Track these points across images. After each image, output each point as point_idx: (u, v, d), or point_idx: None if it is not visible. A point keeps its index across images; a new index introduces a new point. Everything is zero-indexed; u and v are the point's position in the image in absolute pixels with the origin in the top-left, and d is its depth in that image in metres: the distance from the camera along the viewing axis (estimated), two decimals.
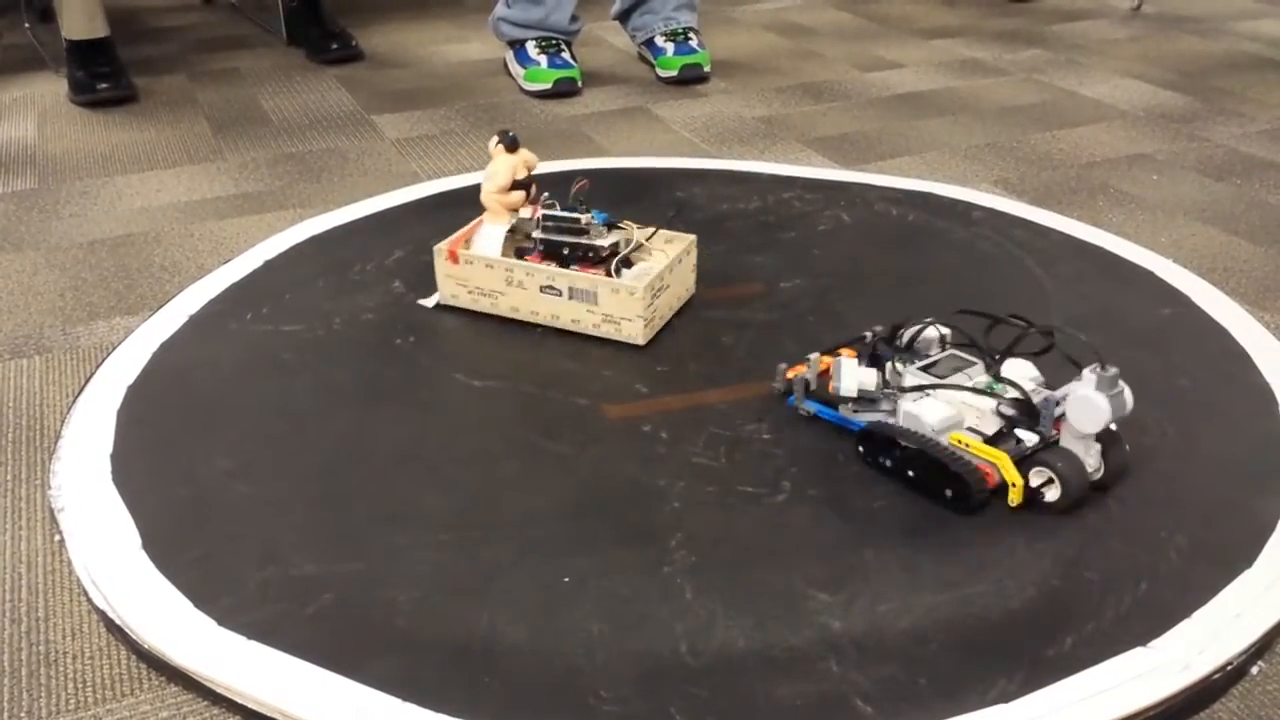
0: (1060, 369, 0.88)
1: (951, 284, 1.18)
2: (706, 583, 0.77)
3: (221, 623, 0.74)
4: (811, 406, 0.95)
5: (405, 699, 0.68)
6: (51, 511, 0.87)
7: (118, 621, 0.75)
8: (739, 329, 1.10)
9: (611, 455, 0.91)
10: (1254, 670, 0.72)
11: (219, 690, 0.70)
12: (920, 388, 0.87)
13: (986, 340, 0.90)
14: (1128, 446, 0.85)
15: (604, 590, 0.76)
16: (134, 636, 0.73)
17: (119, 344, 1.09)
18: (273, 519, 0.84)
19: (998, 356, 0.89)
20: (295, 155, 1.63)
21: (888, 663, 0.70)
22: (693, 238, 1.14)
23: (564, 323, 1.09)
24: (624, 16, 2.02)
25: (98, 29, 1.86)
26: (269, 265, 1.24)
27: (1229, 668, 0.71)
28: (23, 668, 0.73)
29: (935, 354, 0.91)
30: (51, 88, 1.94)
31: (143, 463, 0.90)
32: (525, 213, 1.13)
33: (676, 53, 1.93)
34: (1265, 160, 1.56)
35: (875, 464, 0.88)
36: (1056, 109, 1.79)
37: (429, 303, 1.14)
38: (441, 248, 1.11)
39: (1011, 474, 0.81)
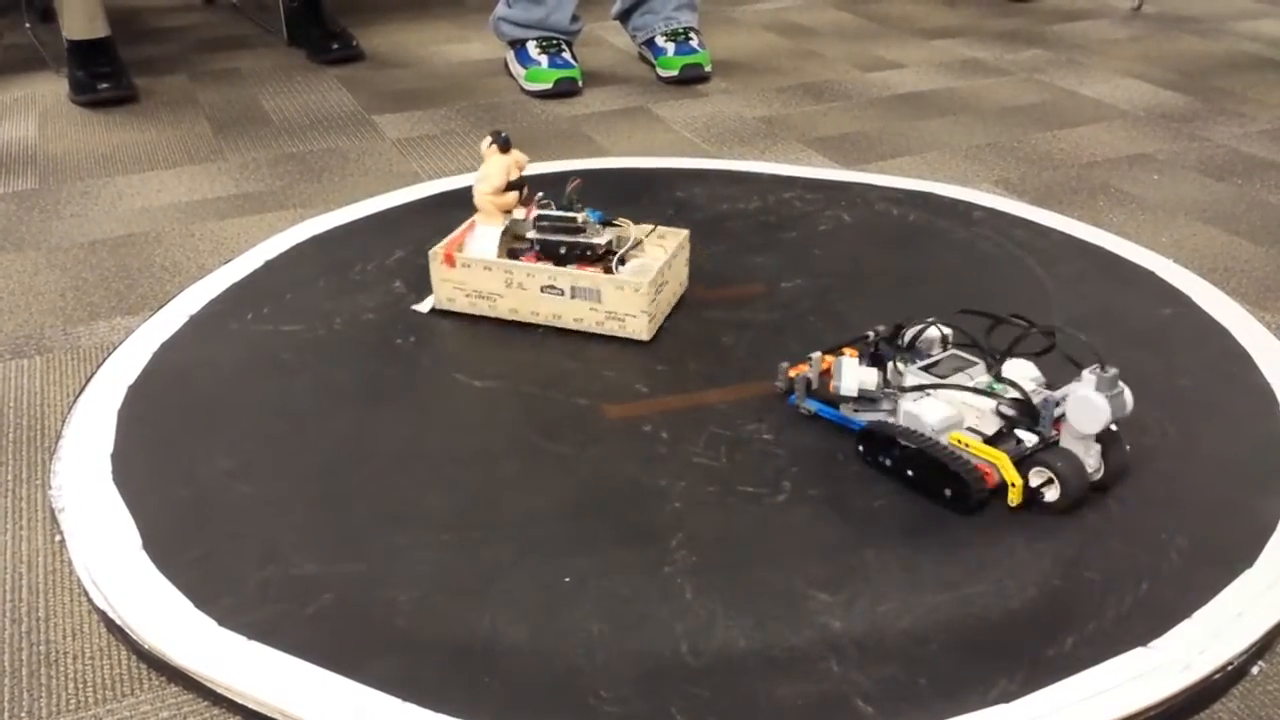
0: (1062, 369, 0.88)
1: (952, 284, 1.18)
2: (707, 583, 0.77)
3: (222, 623, 0.74)
4: (812, 405, 0.95)
5: (405, 699, 0.68)
6: (52, 511, 0.87)
7: (118, 621, 0.75)
8: (739, 329, 1.10)
9: (612, 455, 0.91)
10: (1254, 670, 0.72)
11: (219, 690, 0.70)
12: (920, 387, 0.87)
13: (988, 340, 0.90)
14: (1128, 447, 0.85)
15: (604, 590, 0.76)
16: (134, 636, 0.73)
17: (120, 344, 1.09)
18: (273, 519, 0.84)
19: (998, 357, 0.89)
20: (296, 155, 1.63)
21: (888, 663, 0.70)
22: (686, 232, 1.14)
23: (566, 322, 1.09)
24: (624, 16, 2.02)
25: (98, 29, 1.86)
26: (270, 265, 1.24)
27: (1230, 668, 0.71)
28: (23, 668, 0.73)
29: (937, 354, 0.91)
30: (52, 88, 1.94)
31: (143, 463, 0.91)
32: (519, 213, 1.13)
33: (677, 53, 1.93)
34: (1266, 160, 1.56)
35: (875, 463, 0.88)
36: (1057, 109, 1.79)
37: (423, 308, 1.14)
38: (437, 252, 1.10)
39: (1011, 474, 0.81)
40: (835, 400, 0.93)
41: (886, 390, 0.89)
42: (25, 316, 1.17)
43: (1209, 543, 0.80)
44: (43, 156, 1.63)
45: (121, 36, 1.95)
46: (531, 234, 1.10)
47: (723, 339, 1.08)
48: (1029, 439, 0.84)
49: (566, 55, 1.90)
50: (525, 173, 1.14)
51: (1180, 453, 0.90)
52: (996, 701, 0.67)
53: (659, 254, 1.13)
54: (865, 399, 0.90)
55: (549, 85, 1.87)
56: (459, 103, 1.86)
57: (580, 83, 1.89)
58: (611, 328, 1.07)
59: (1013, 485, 0.81)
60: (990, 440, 0.84)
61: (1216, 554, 0.79)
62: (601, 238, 1.09)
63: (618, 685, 0.69)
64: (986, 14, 2.40)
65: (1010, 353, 0.88)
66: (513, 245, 1.14)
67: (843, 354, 0.93)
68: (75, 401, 1.00)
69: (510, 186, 1.11)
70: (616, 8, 2.03)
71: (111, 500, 0.86)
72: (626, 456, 0.90)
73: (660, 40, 1.96)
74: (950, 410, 0.85)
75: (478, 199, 1.12)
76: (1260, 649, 0.73)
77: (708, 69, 1.95)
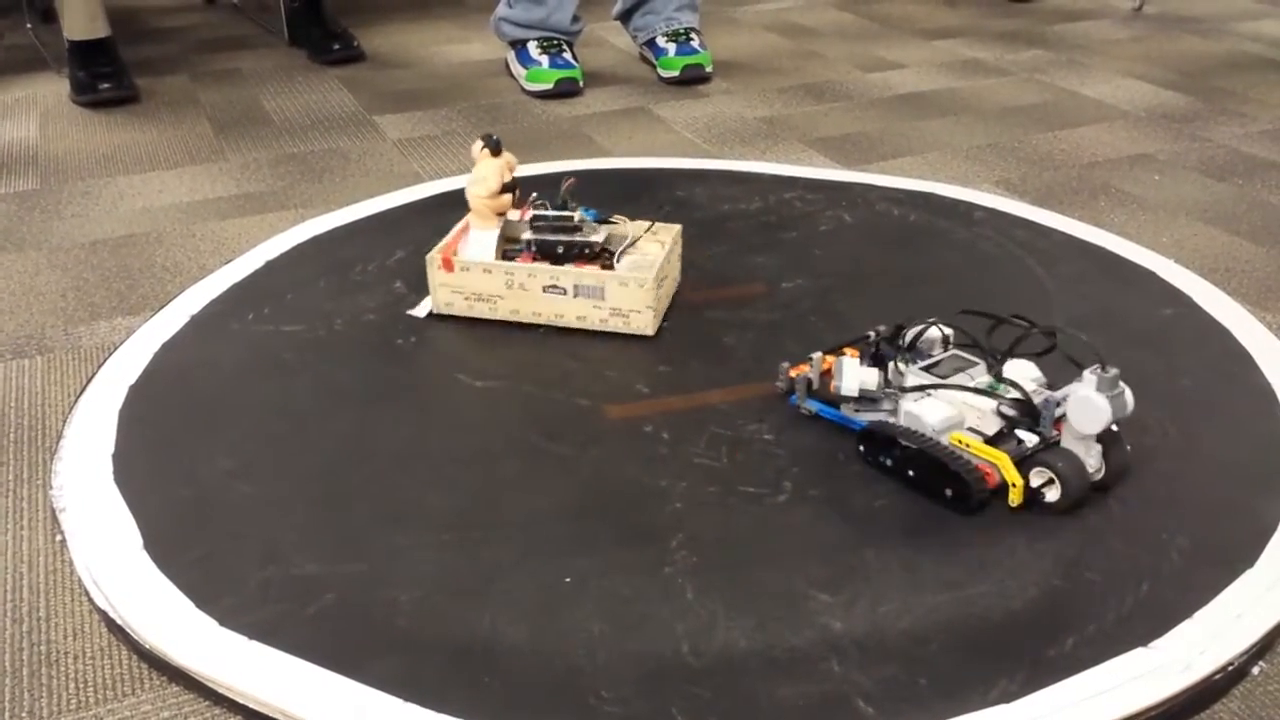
0: (1063, 369, 0.88)
1: (953, 284, 1.18)
2: (708, 583, 0.77)
3: (223, 623, 0.74)
4: (813, 405, 0.95)
5: (406, 699, 0.68)
6: (53, 511, 0.87)
7: (119, 621, 0.75)
8: (740, 329, 1.10)
9: (613, 456, 0.91)
10: (1255, 671, 0.72)
11: (220, 690, 0.70)
12: (921, 387, 0.87)
13: (989, 341, 0.90)
14: (1129, 447, 0.85)
15: (605, 590, 0.76)
16: (135, 636, 0.74)
17: (121, 344, 1.09)
18: (274, 519, 0.84)
19: (999, 357, 0.89)
20: (297, 156, 1.63)
21: (889, 663, 0.70)
22: (678, 227, 1.15)
23: (569, 321, 1.09)
24: (625, 17, 2.02)
25: (99, 29, 1.86)
26: (270, 265, 1.24)
27: (1230, 668, 0.71)
28: (24, 668, 0.73)
29: (938, 354, 0.91)
30: (53, 88, 1.94)
31: (144, 463, 0.91)
32: (513, 215, 1.13)
33: (678, 53, 1.93)
34: (1267, 160, 1.56)
35: (876, 463, 0.88)
36: (1058, 109, 1.79)
37: (419, 312, 1.13)
38: (434, 256, 1.10)
39: (1012, 474, 0.81)
40: (836, 400, 0.93)
41: (887, 390, 0.89)
42: (26, 316, 1.17)
43: (1210, 543, 0.80)
44: (44, 157, 1.63)
45: (122, 37, 1.95)
46: (528, 235, 1.10)
47: (724, 339, 1.08)
48: (1030, 439, 0.84)
49: (567, 55, 1.90)
50: (515, 174, 1.14)
51: (1181, 453, 0.90)
52: (997, 702, 0.67)
53: (652, 249, 1.13)
54: (866, 399, 0.90)
55: (550, 85, 1.87)
56: (460, 103, 1.86)
57: (581, 83, 1.89)
58: (615, 324, 1.07)
59: (1013, 485, 0.81)
60: (991, 440, 0.84)
61: (1217, 554, 0.79)
62: (598, 235, 1.10)
63: (618, 685, 0.69)
64: (987, 14, 2.40)
65: (1011, 353, 0.88)
66: (505, 248, 1.13)
67: (844, 354, 0.93)
68: (76, 401, 1.00)
69: (504, 189, 1.11)
70: (617, 8, 2.03)
71: (112, 500, 0.86)
72: (627, 457, 0.90)
73: (661, 41, 1.96)
74: (951, 410, 0.85)
75: (473, 202, 1.11)
76: (1261, 649, 0.73)
77: (709, 69, 1.95)
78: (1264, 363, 1.03)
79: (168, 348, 1.08)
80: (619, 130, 1.72)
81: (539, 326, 1.10)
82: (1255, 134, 1.66)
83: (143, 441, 0.93)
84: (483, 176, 1.11)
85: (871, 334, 0.93)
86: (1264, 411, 0.96)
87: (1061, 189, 1.47)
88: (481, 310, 1.10)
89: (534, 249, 1.10)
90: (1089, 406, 0.80)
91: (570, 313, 1.08)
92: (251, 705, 0.69)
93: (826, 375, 0.94)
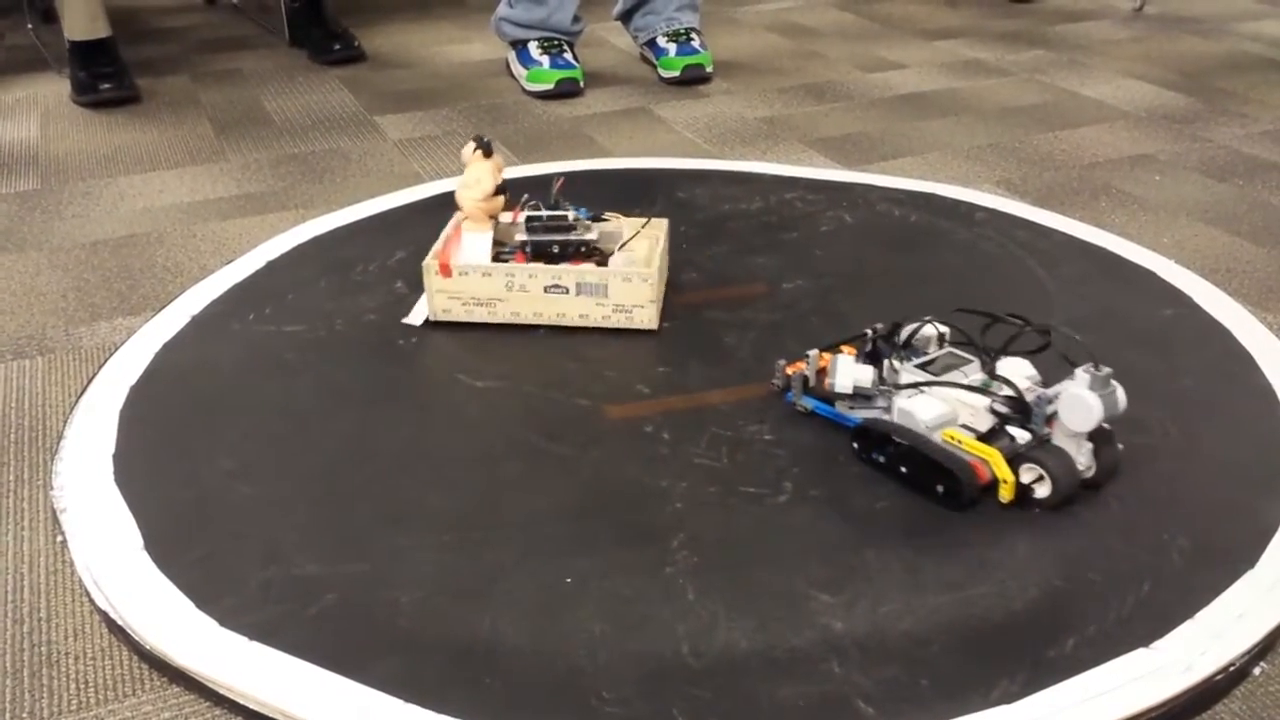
0: (1059, 368, 0.88)
1: (954, 285, 1.18)
2: (708, 583, 0.77)
3: (224, 623, 0.74)
4: (809, 403, 0.95)
5: (407, 700, 0.68)
6: (54, 512, 0.87)
7: (120, 622, 0.75)
8: (741, 329, 1.10)
9: (613, 456, 0.91)
10: (1256, 671, 0.72)
11: (221, 691, 0.70)
12: (914, 385, 0.88)
13: (983, 339, 0.90)
14: (1120, 445, 0.85)
15: (606, 591, 0.76)
16: (136, 637, 0.74)
17: (121, 344, 1.09)
18: (275, 519, 0.84)
19: (993, 355, 0.89)
20: (298, 156, 1.63)
21: (890, 664, 0.70)
22: (665, 221, 1.16)
23: (571, 319, 1.09)
24: (626, 17, 2.02)
25: (100, 29, 1.86)
26: (271, 266, 1.24)
27: (1231, 669, 0.71)
28: (25, 668, 0.73)
29: (933, 352, 0.92)
30: (54, 88, 1.95)
31: (145, 463, 0.91)
32: (505, 217, 1.13)
33: (679, 53, 1.93)
34: (1267, 161, 1.56)
35: (869, 460, 0.88)
36: (1059, 109, 1.79)
37: (414, 320, 1.12)
38: (431, 263, 1.08)
39: (1003, 470, 0.82)
40: (831, 397, 0.93)
41: (882, 387, 0.89)
42: (27, 317, 1.17)
43: (1211, 543, 0.80)
44: (45, 157, 1.63)
45: (123, 37, 1.95)
46: (522, 236, 1.10)
47: (724, 339, 1.08)
48: (1022, 436, 0.84)
49: (568, 56, 1.90)
50: (504, 175, 1.14)
51: (1182, 453, 0.90)
52: (998, 702, 0.67)
53: (643, 244, 1.14)
54: (861, 396, 0.91)
55: (550, 86, 1.87)
56: (461, 103, 1.86)
57: (582, 83, 1.89)
58: (618, 320, 1.08)
59: (1004, 482, 0.82)
60: (984, 437, 0.84)
61: (1218, 555, 0.79)
62: (592, 234, 1.10)
63: (619, 686, 0.69)
64: (988, 15, 2.40)
65: (1005, 351, 0.89)
66: (496, 250, 1.13)
67: (840, 352, 0.93)
68: (77, 402, 1.00)
69: (496, 190, 1.11)
70: (618, 8, 2.03)
71: (113, 501, 0.86)
72: (628, 457, 0.90)
73: (662, 41, 1.96)
74: (944, 407, 0.86)
75: (467, 205, 1.11)
76: (1262, 650, 0.73)
77: (709, 70, 1.95)
78: (1265, 363, 1.03)
79: (168, 348, 1.08)
80: (620, 130, 1.72)
81: (539, 327, 1.10)
82: (1256, 134, 1.66)
83: (143, 442, 0.93)
84: (476, 179, 1.10)
85: (869, 332, 0.93)
86: (1264, 412, 0.96)
87: (1062, 189, 1.47)
88: (480, 315, 1.10)
89: (528, 250, 1.10)
90: (1080, 404, 0.80)
91: (572, 311, 1.08)
92: (252, 706, 0.69)
93: (823, 373, 0.95)
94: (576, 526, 0.83)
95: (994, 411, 0.85)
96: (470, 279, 1.08)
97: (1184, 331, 1.09)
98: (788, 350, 1.04)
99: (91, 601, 0.78)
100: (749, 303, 1.15)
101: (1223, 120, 1.73)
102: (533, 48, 1.90)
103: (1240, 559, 0.79)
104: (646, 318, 1.08)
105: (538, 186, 1.18)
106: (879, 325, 0.93)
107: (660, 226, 1.15)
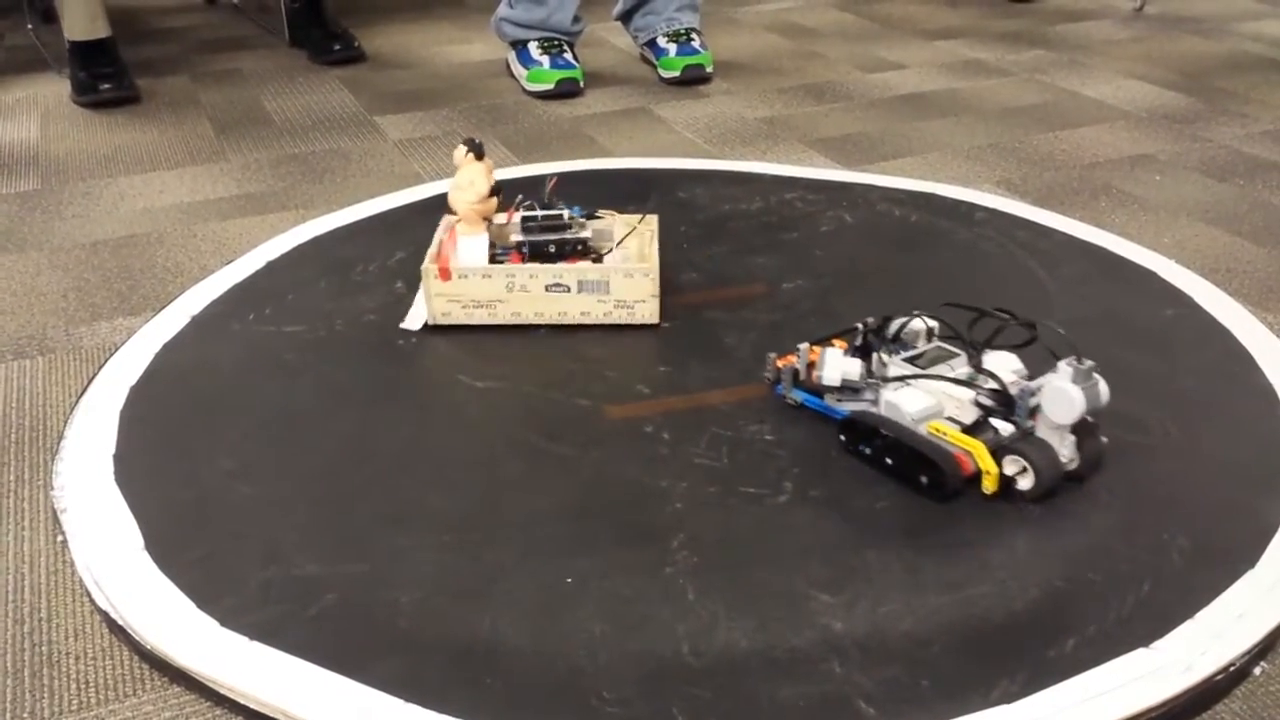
0: (1046, 362, 0.88)
1: (953, 285, 1.18)
2: (708, 584, 0.77)
3: (224, 623, 0.74)
4: (798, 395, 0.96)
5: (407, 700, 0.68)
6: (54, 512, 0.87)
7: (120, 622, 0.75)
8: (741, 329, 1.10)
9: (613, 456, 0.91)
10: (1257, 671, 0.72)
11: (221, 691, 0.70)
12: (901, 378, 0.88)
13: (970, 333, 0.91)
14: (1104, 438, 0.86)
15: (606, 591, 0.76)
16: (136, 637, 0.74)
17: (122, 344, 1.09)
18: (275, 519, 0.84)
19: (979, 348, 0.90)
20: (298, 156, 1.63)
21: (890, 664, 0.70)
22: (655, 217, 1.16)
23: (572, 318, 1.09)
24: (626, 17, 2.02)
25: (100, 30, 1.86)
26: (271, 266, 1.25)
27: (1232, 669, 0.71)
28: (25, 669, 0.73)
29: (922, 345, 0.92)
30: (54, 88, 1.95)
31: (145, 463, 0.91)
32: (500, 219, 1.13)
33: (679, 53, 1.93)
34: (1268, 161, 1.56)
35: (856, 452, 0.89)
36: (1059, 110, 1.79)
37: (412, 325, 1.11)
38: (430, 267, 1.08)
39: (987, 462, 0.82)
40: (820, 390, 0.93)
41: (870, 380, 0.90)
42: (27, 317, 1.17)
43: (1211, 543, 0.80)
44: (45, 157, 1.63)
45: (123, 37, 1.95)
46: (518, 236, 1.10)
47: (724, 339, 1.08)
48: (1006, 428, 0.85)
49: (568, 56, 1.90)
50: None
51: (1182, 453, 0.90)
52: (998, 702, 0.67)
53: (633, 242, 1.14)
54: (849, 389, 0.91)
55: (551, 86, 1.87)
56: (461, 103, 1.86)
57: (582, 83, 1.89)
58: (620, 316, 1.08)
59: (988, 473, 0.82)
60: (968, 430, 0.85)
61: (1218, 554, 0.79)
62: (587, 232, 1.10)
63: (619, 686, 0.69)
64: (988, 15, 2.40)
65: (990, 344, 0.89)
66: (490, 252, 1.13)
67: (830, 345, 0.93)
68: (77, 402, 1.00)
69: (490, 192, 1.11)
70: (618, 8, 2.03)
71: (113, 501, 0.86)
72: (628, 457, 0.90)
73: (662, 41, 1.97)
74: (929, 400, 0.86)
75: (462, 208, 1.10)
76: (1263, 650, 0.73)
77: (709, 70, 1.95)
78: (1265, 363, 1.03)
79: (169, 348, 1.08)
80: (620, 130, 1.72)
81: (539, 327, 1.10)
82: (1256, 134, 1.66)
83: (144, 442, 0.93)
84: (470, 180, 1.10)
85: (859, 325, 0.94)
86: (1265, 412, 0.96)
87: (1062, 189, 1.47)
88: (480, 317, 1.10)
89: (525, 250, 1.10)
90: (1062, 397, 0.81)
91: (573, 309, 1.08)
92: (252, 706, 0.69)
93: (813, 366, 0.95)
94: (576, 526, 0.83)
95: (979, 404, 0.86)
96: (470, 281, 1.08)
97: (1184, 331, 1.09)
98: (788, 351, 1.04)
99: (92, 601, 0.78)
100: (749, 303, 1.15)
101: (1223, 120, 1.73)
102: (533, 48, 1.90)
103: (1240, 559, 0.79)
104: (648, 312, 1.08)
105: (538, 187, 1.17)
106: (869, 319, 0.94)
107: (651, 223, 1.16)
